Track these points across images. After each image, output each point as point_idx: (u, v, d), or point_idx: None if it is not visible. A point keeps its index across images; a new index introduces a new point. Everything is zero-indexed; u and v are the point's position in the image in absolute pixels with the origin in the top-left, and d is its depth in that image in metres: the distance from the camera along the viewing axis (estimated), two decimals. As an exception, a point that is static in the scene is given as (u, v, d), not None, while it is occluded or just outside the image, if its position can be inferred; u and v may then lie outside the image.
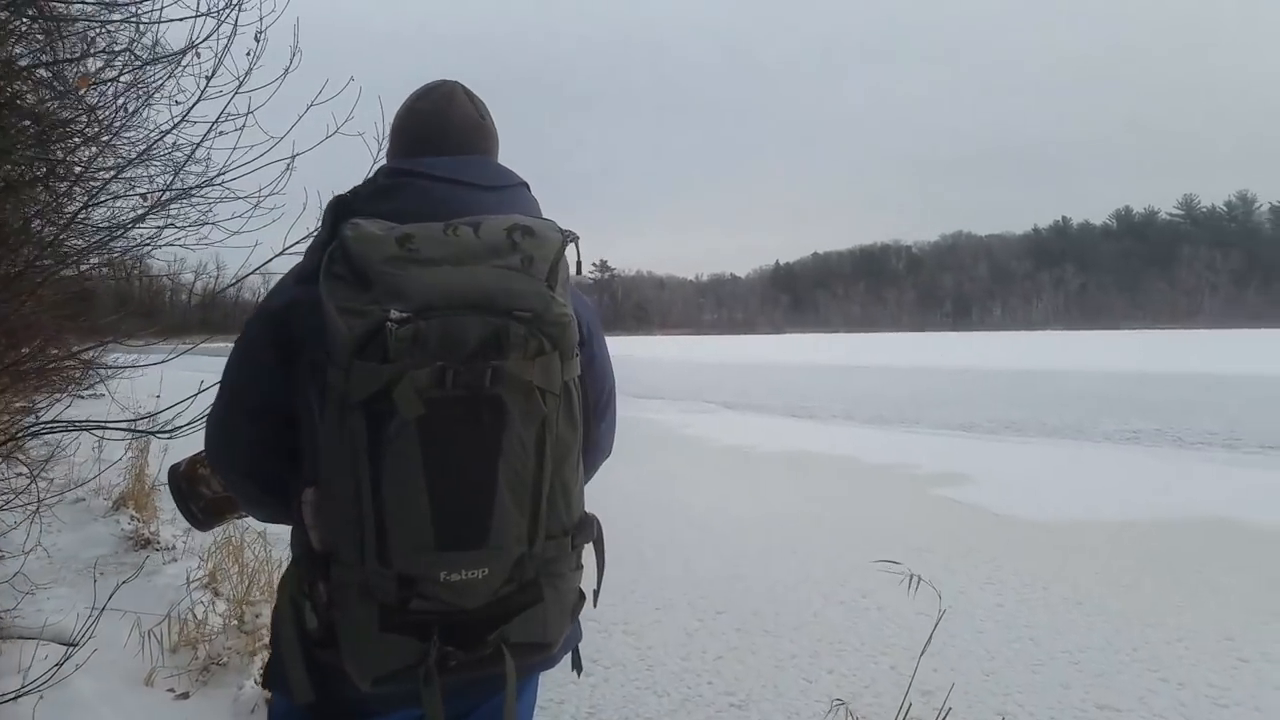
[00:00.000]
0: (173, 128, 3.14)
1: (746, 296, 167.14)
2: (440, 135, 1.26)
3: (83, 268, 4.29)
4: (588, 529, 1.10)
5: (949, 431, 11.83)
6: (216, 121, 2.89)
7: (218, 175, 3.18)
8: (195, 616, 3.23)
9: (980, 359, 34.90)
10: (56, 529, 4.96)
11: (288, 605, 1.07)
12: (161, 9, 2.82)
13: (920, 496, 6.92)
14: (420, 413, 0.92)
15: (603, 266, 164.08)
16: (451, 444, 0.95)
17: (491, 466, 0.96)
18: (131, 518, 5.63)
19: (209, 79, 2.75)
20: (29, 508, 4.40)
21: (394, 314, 0.93)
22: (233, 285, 3.26)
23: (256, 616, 3.33)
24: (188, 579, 3.71)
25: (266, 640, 3.06)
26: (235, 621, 3.33)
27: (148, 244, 4.30)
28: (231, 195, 3.39)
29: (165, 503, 5.88)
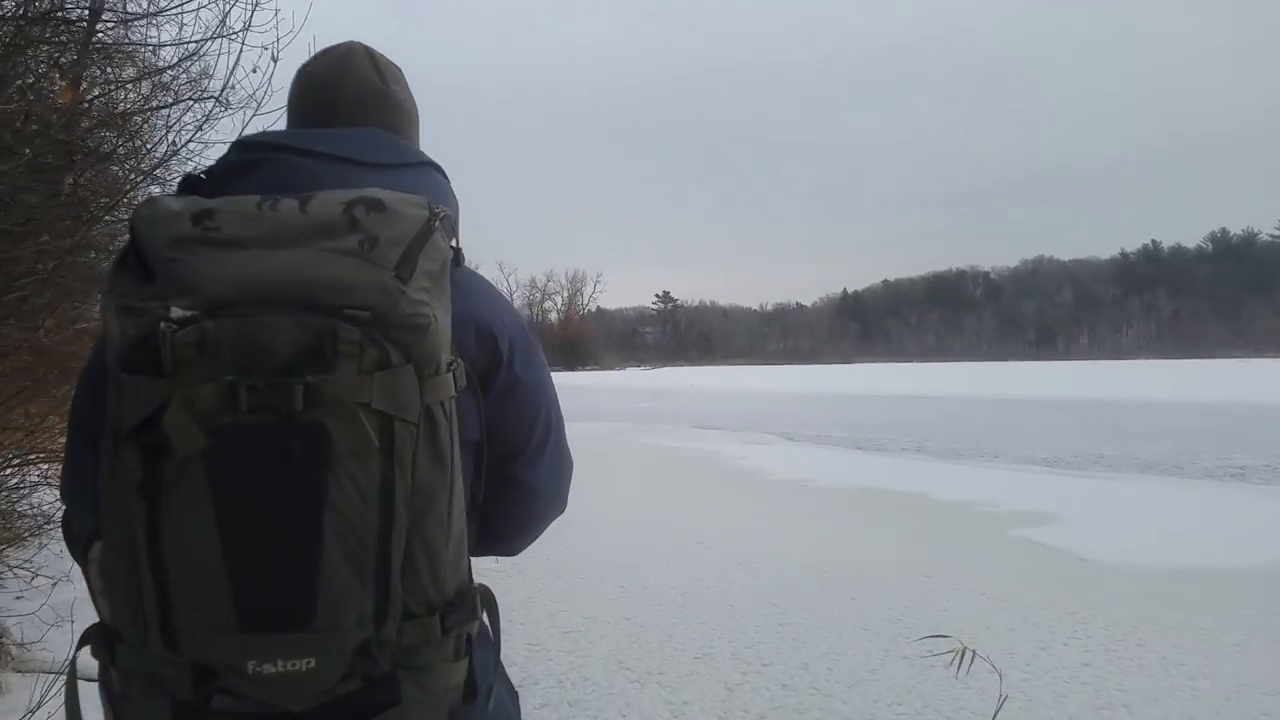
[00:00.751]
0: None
1: (813, 325, 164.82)
2: (329, 106, 1.02)
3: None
4: (468, 606, 0.82)
5: (1031, 467, 11.11)
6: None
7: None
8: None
9: (1065, 389, 33.38)
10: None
11: (71, 694, 0.84)
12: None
13: (998, 538, 6.38)
14: (201, 445, 0.66)
15: (665, 297, 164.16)
16: (255, 488, 0.68)
17: (314, 520, 0.68)
18: None
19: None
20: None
21: (174, 312, 0.69)
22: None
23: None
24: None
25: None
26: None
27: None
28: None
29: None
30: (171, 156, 3.35)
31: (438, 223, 0.81)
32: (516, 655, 3.59)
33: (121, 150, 3.42)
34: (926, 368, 75.46)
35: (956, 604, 4.57)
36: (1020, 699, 3.31)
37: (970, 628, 4.15)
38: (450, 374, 0.78)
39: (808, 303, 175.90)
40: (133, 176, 3.65)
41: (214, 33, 2.92)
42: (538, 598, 4.49)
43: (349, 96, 1.03)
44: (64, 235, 2.97)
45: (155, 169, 3.44)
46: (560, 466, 1.06)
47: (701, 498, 8.08)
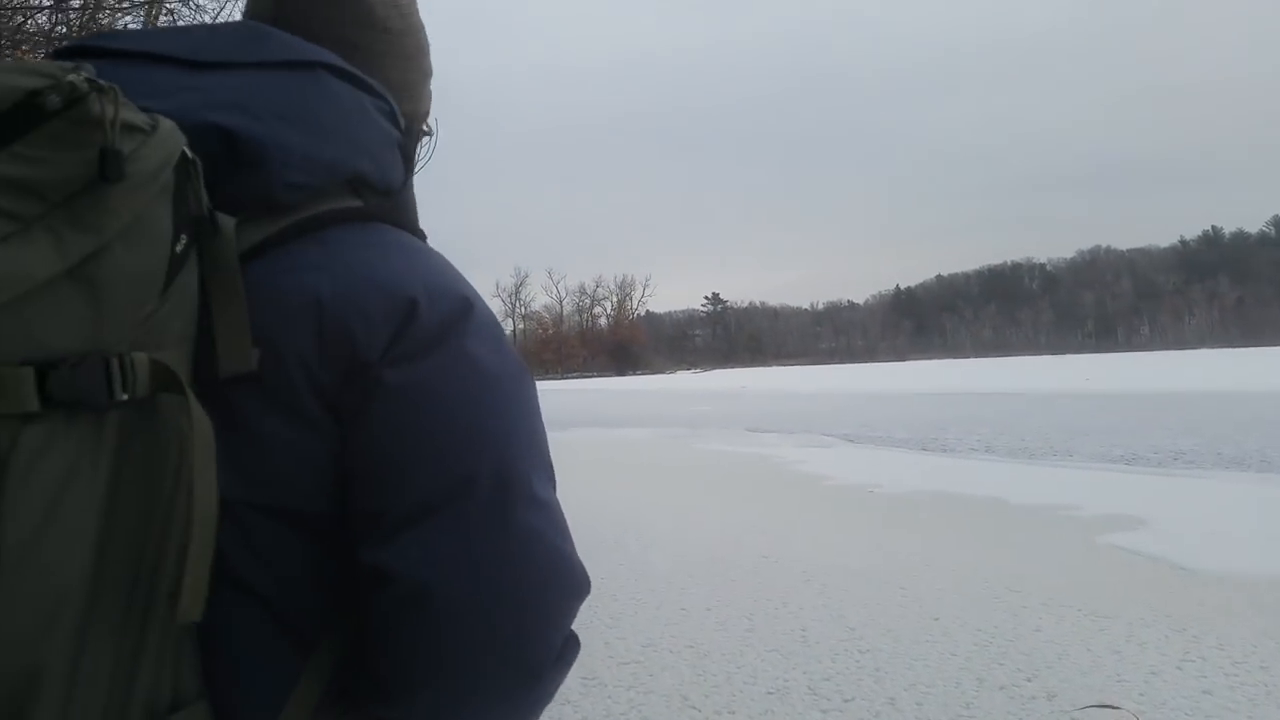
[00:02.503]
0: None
1: (866, 323, 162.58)
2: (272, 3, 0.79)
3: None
4: None
5: (1108, 465, 10.49)
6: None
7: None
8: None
9: (1131, 381, 32.09)
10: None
11: None
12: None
13: (1085, 546, 5.90)
14: None
15: (714, 299, 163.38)
16: None
17: None
18: None
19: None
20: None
21: None
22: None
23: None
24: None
25: None
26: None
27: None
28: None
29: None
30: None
31: (61, 101, 0.50)
32: (571, 693, 3.31)
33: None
34: (984, 363, 73.72)
35: (1050, 623, 4.16)
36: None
37: (1071, 650, 3.75)
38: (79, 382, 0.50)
39: (859, 300, 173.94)
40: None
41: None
42: (593, 623, 4.20)
43: None
44: None
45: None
46: (499, 559, 0.62)
47: (762, 506, 7.72)
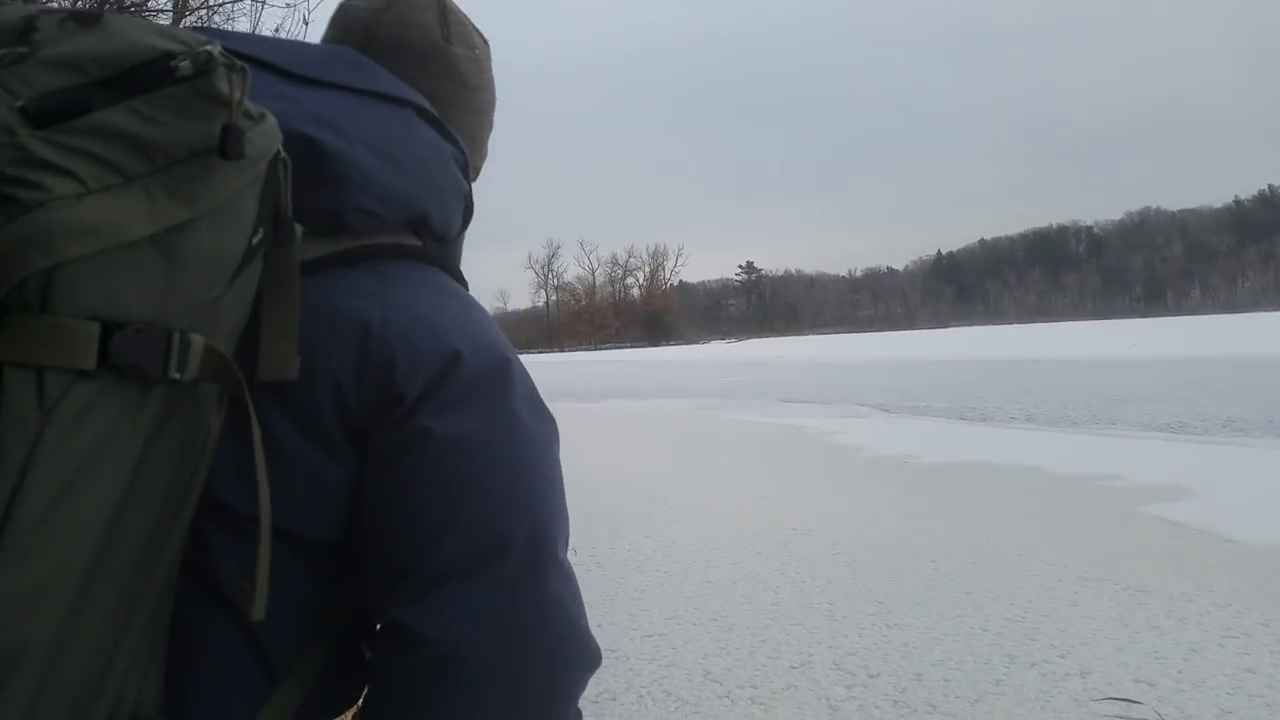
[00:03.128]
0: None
1: (905, 290, 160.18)
2: (359, 48, 0.79)
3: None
4: None
5: (1153, 433, 10.20)
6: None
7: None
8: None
9: (1180, 346, 31.24)
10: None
11: None
12: None
13: (1126, 517, 5.74)
14: None
15: (748, 268, 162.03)
16: None
17: None
18: None
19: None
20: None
21: None
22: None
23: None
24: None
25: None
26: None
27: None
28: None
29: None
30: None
31: (193, 68, 0.48)
32: (593, 666, 3.29)
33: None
34: (1028, 329, 72.29)
35: (1087, 597, 4.04)
36: (1176, 716, 2.83)
37: (1107, 625, 3.64)
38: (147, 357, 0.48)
39: (899, 266, 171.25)
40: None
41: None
42: (618, 595, 4.18)
43: (387, 37, 0.77)
44: None
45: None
46: (528, 626, 0.62)
47: (792, 478, 7.64)
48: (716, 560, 4.79)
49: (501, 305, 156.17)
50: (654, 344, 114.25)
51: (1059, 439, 10.10)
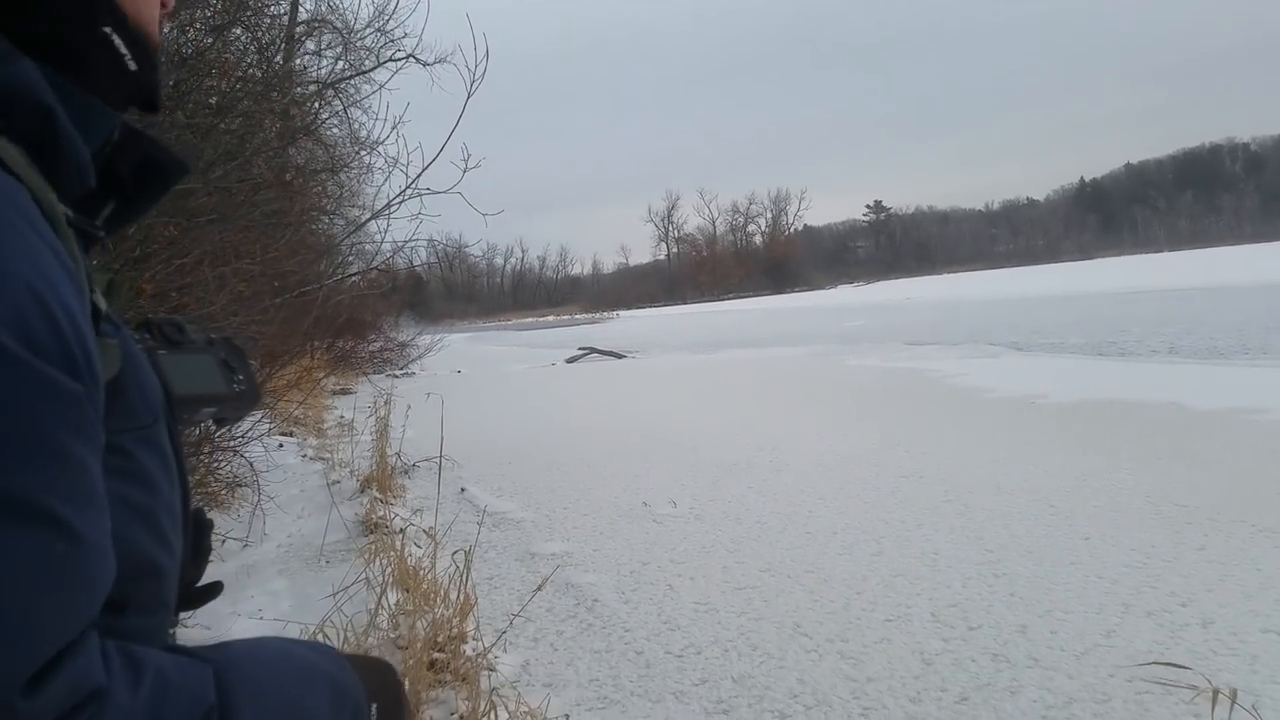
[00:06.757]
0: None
1: (1046, 221, 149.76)
2: None
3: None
4: None
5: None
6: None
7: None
8: (354, 627, 2.98)
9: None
10: (306, 513, 5.13)
11: None
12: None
13: (1270, 454, 5.20)
14: None
15: (877, 208, 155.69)
16: None
17: None
18: (374, 499, 5.65)
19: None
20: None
21: None
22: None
23: (411, 628, 3.03)
24: (367, 578, 3.50)
25: (417, 659, 2.74)
26: (393, 633, 3.07)
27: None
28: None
29: (407, 483, 6.00)
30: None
31: None
32: (681, 618, 3.28)
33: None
34: (1179, 257, 66.40)
35: (1217, 540, 3.70)
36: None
37: (1236, 571, 3.33)
38: None
39: (1039, 197, 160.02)
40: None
41: None
42: (713, 547, 4.15)
43: None
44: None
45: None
46: None
47: (908, 423, 7.35)
48: (819, 510, 4.68)
49: (623, 260, 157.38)
50: (778, 291, 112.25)
51: (1203, 372, 9.28)
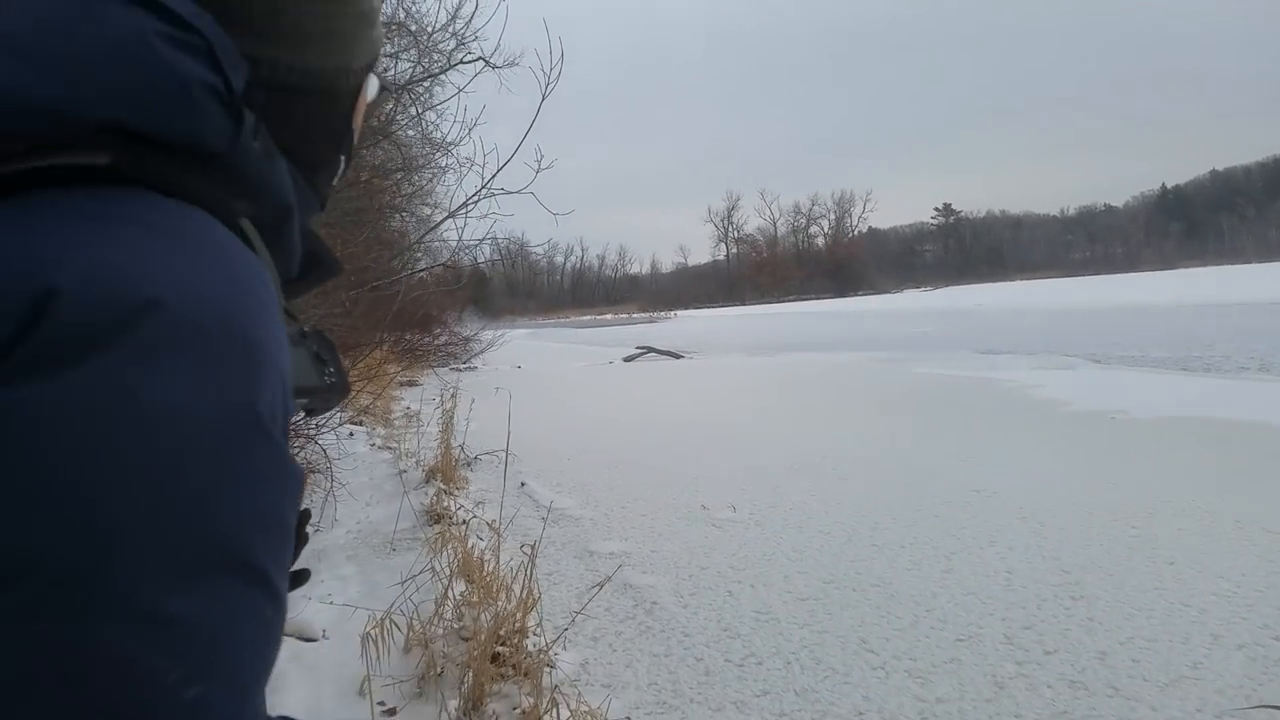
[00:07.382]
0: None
1: (1125, 229, 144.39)
2: None
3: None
4: None
5: None
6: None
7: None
8: (420, 615, 3.01)
9: None
10: (375, 500, 5.22)
11: None
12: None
13: (1382, 482, 4.90)
14: None
15: (946, 210, 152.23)
16: None
17: None
18: (439, 490, 5.71)
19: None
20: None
21: None
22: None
23: (475, 620, 3.05)
24: (434, 568, 3.54)
25: (481, 650, 2.75)
26: (457, 624, 3.09)
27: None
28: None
29: (470, 475, 6.07)
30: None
31: None
32: (741, 626, 3.23)
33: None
34: (1269, 268, 63.22)
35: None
36: None
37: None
38: None
39: (1118, 203, 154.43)
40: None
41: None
42: (774, 555, 4.08)
43: None
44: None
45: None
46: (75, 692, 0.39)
47: (980, 436, 7.13)
48: (885, 522, 4.57)
49: (682, 260, 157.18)
50: (841, 294, 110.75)
51: (1301, 391, 8.79)
